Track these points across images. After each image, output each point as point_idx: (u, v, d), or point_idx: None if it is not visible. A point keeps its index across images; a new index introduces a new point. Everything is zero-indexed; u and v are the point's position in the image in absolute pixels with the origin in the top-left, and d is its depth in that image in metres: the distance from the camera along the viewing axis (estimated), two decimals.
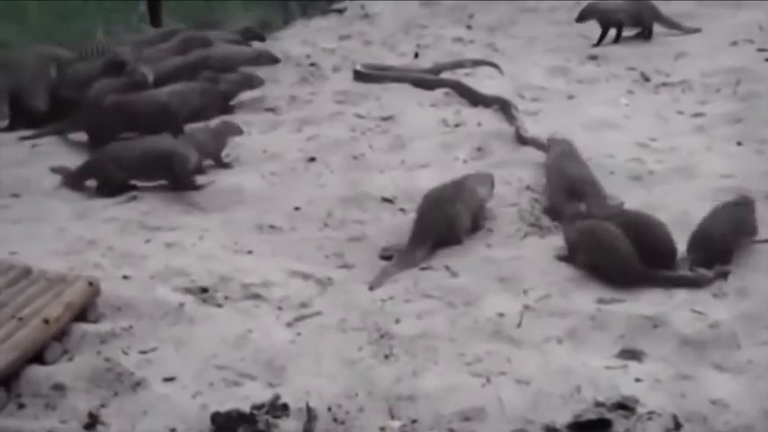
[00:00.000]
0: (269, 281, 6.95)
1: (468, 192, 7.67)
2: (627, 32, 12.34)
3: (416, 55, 12.35)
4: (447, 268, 7.11)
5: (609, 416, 5.39)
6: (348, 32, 13.57)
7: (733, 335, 6.08)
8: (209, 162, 8.88)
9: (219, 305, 6.68)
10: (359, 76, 11.32)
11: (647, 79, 10.94)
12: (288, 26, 14.23)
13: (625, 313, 6.33)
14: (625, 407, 5.44)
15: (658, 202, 7.70)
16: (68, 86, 10.32)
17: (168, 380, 5.84)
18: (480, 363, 5.91)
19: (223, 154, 9.03)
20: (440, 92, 10.67)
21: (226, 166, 8.95)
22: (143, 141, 8.85)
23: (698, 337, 6.06)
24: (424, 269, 7.16)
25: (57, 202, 8.36)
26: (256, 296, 6.78)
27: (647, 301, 6.52)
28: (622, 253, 6.79)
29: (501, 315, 6.38)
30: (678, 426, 5.32)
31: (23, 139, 9.81)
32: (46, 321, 5.97)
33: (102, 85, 10.03)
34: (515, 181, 8.28)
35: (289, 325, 6.46)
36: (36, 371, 5.83)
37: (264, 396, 5.64)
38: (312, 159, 9.05)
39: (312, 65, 11.89)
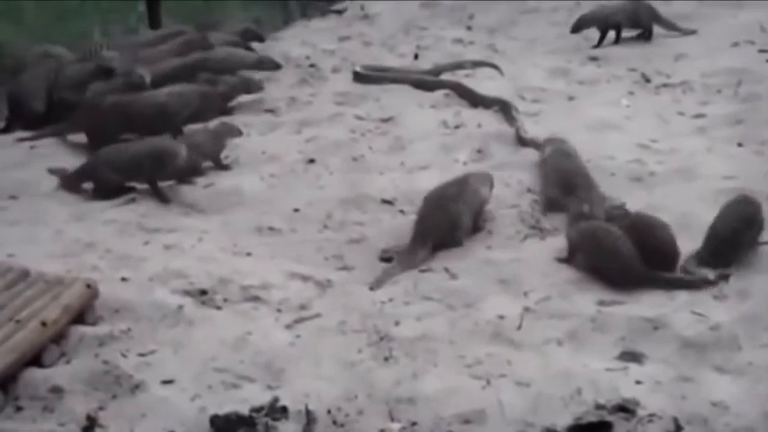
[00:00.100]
0: (268, 283, 6.93)
1: (470, 192, 7.67)
2: (627, 33, 12.33)
3: (416, 56, 12.34)
4: (447, 270, 7.10)
5: (609, 418, 5.37)
6: (348, 33, 13.56)
7: (734, 337, 6.06)
8: (208, 164, 8.86)
9: (218, 307, 6.66)
10: (358, 78, 11.31)
11: (647, 80, 10.93)
12: (287, 27, 14.20)
13: (625, 315, 6.32)
14: (625, 409, 5.42)
15: (659, 204, 7.68)
16: (64, 88, 10.29)
17: (167, 382, 5.82)
18: (480, 365, 5.89)
19: (222, 155, 9.01)
20: (440, 93, 10.65)
21: (225, 167, 8.93)
22: (136, 143, 8.83)
23: (699, 339, 6.05)
24: (423, 271, 7.15)
25: (55, 204, 8.33)
26: (255, 298, 6.77)
27: (648, 303, 6.51)
28: (623, 255, 6.78)
29: (501, 317, 6.37)
30: (679, 428, 5.31)
31: (21, 140, 9.77)
32: (43, 324, 5.95)
33: (101, 87, 10.01)
34: (515, 183, 8.27)
35: (288, 327, 6.44)
36: (34, 374, 5.81)
37: (263, 398, 5.62)
38: (311, 161, 9.04)
39: (312, 66, 11.88)
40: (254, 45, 12.15)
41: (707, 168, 8.44)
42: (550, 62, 11.76)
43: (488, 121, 9.80)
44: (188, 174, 8.59)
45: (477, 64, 11.65)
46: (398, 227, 7.74)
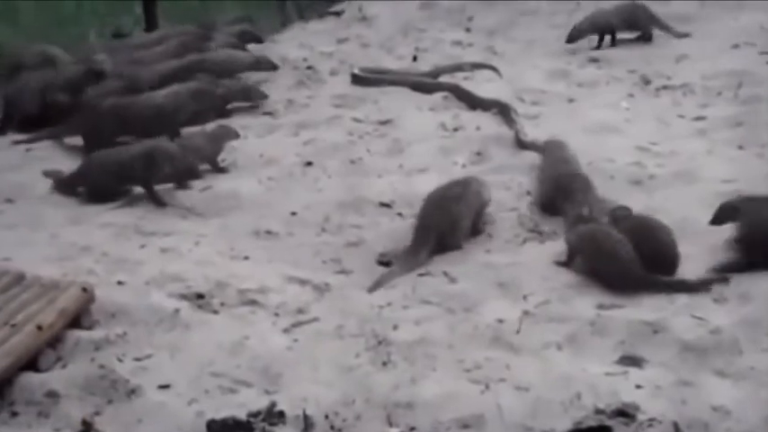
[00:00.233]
0: (265, 287, 6.91)
1: (472, 193, 7.65)
2: (628, 35, 12.35)
3: (415, 58, 12.35)
4: (445, 274, 7.07)
5: (609, 423, 5.34)
6: (346, 35, 13.57)
7: (734, 341, 6.03)
8: (205, 167, 8.83)
9: (215, 311, 6.63)
10: (356, 80, 11.30)
11: (647, 82, 10.94)
12: (285, 29, 14.19)
13: (625, 319, 6.28)
14: (625, 414, 5.39)
15: (659, 207, 7.66)
16: (57, 90, 10.24)
17: (163, 387, 5.79)
18: (479, 369, 5.86)
19: (219, 158, 8.99)
20: (438, 95, 10.65)
21: (222, 170, 8.91)
22: (130, 146, 8.81)
23: (699, 343, 6.01)
24: (422, 275, 7.12)
25: (51, 207, 8.32)
26: (253, 302, 6.74)
27: (648, 307, 6.47)
28: (622, 258, 6.75)
29: (500, 321, 6.34)
30: None
31: (18, 143, 9.75)
32: (39, 328, 5.92)
33: (99, 88, 9.99)
34: (515, 186, 8.27)
35: (285, 331, 6.41)
36: (29, 378, 5.78)
37: (261, 403, 5.59)
38: (309, 164, 9.03)
39: (309, 68, 11.89)
40: (252, 47, 12.13)
41: (707, 171, 8.43)
42: (550, 64, 11.77)
43: (487, 123, 9.79)
44: (185, 177, 8.55)
45: (475, 66, 11.66)
46: (397, 230, 7.73)
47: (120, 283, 6.87)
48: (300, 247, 7.67)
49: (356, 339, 6.25)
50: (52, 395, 5.67)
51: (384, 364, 5.97)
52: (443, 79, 11.28)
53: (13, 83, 10.32)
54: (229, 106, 10.37)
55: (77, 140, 9.60)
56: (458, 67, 11.64)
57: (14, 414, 5.60)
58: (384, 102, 10.56)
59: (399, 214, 8.03)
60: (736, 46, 11.85)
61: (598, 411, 5.42)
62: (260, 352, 6.09)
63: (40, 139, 9.77)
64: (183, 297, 6.70)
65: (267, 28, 13.43)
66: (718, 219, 7.14)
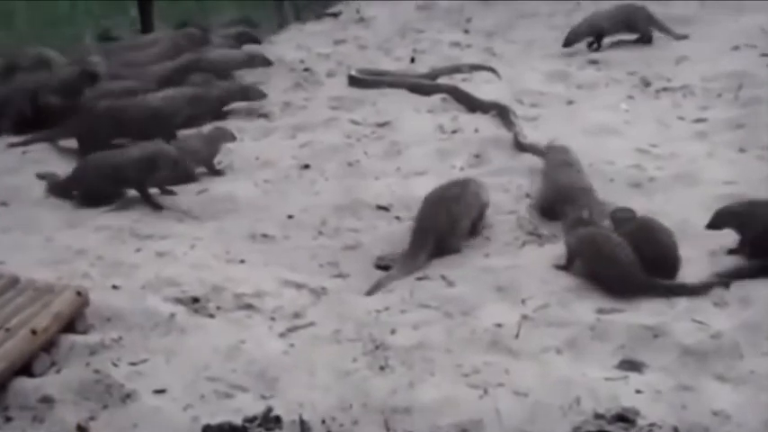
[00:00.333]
0: (262, 291, 6.88)
1: (471, 194, 7.63)
2: (627, 37, 12.32)
3: (413, 60, 12.36)
4: (444, 278, 7.04)
5: (609, 428, 5.31)
6: (343, 37, 13.59)
7: (735, 345, 6.00)
8: (201, 169, 8.81)
9: (211, 315, 6.60)
10: (354, 82, 11.29)
11: (647, 84, 10.95)
12: (282, 30, 14.18)
13: (625, 323, 6.26)
14: (625, 419, 5.37)
15: (659, 210, 7.63)
16: (49, 92, 10.20)
17: (159, 392, 5.75)
18: (478, 374, 5.82)
19: (215, 161, 8.96)
20: (436, 97, 10.65)
21: (218, 173, 8.90)
22: (125, 148, 8.77)
23: (699, 348, 5.98)
24: (420, 279, 7.10)
25: (46, 210, 8.30)
26: (249, 306, 6.72)
27: (648, 311, 6.45)
28: (622, 261, 6.72)
29: (499, 325, 6.30)
30: None
31: (13, 145, 9.71)
32: (33, 332, 5.89)
33: (96, 91, 9.96)
34: (513, 188, 8.26)
35: (282, 336, 6.38)
36: (23, 383, 5.75)
37: (257, 408, 5.56)
38: (306, 166, 9.03)
39: (306, 70, 11.89)
40: (249, 47, 12.12)
41: (707, 174, 8.42)
42: (549, 66, 11.78)
43: (486, 125, 9.78)
44: (181, 180, 8.52)
45: (474, 67, 11.66)
46: (394, 233, 7.72)
47: (115, 286, 6.84)
48: (297, 250, 7.65)
49: (353, 344, 6.22)
50: (47, 400, 5.64)
51: (381, 368, 5.93)
52: (442, 81, 11.27)
53: (7, 84, 10.29)
54: (226, 108, 10.35)
55: (73, 143, 9.58)
56: (456, 69, 11.64)
57: (8, 419, 5.57)
58: (382, 104, 10.56)
59: (397, 217, 8.01)
60: (736, 47, 11.86)
61: (598, 416, 5.38)
62: (256, 356, 6.05)
63: (36, 141, 9.74)
64: (179, 301, 6.68)
65: (264, 29, 13.44)
66: (714, 224, 7.12)
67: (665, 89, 10.75)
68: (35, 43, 10.91)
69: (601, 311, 6.45)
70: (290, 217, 8.07)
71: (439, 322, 6.43)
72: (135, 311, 6.48)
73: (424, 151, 9.22)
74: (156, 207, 8.22)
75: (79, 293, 6.36)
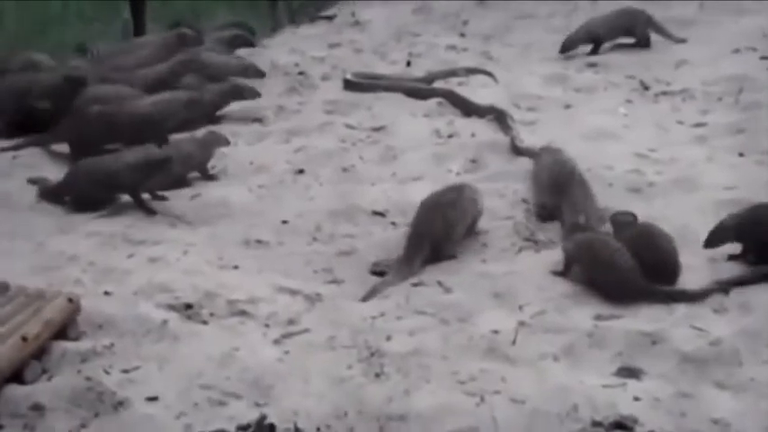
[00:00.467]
0: (255, 297, 6.83)
1: (467, 200, 7.60)
2: (626, 40, 12.31)
3: (408, 63, 12.36)
4: (440, 284, 7.00)
5: None
6: (338, 40, 13.61)
7: (735, 352, 5.97)
8: (194, 174, 8.77)
9: (204, 322, 6.55)
10: (349, 86, 11.28)
11: (646, 88, 10.96)
12: (276, 34, 14.19)
13: (623, 330, 6.22)
14: (623, 426, 5.34)
15: (658, 215, 7.59)
16: (34, 96, 10.13)
17: (151, 399, 5.70)
18: (474, 381, 5.78)
19: (209, 165, 8.91)
20: (433, 101, 10.64)
21: (212, 178, 8.86)
22: (117, 153, 8.70)
23: (698, 355, 5.95)
24: (416, 285, 7.05)
25: (37, 215, 8.24)
26: (242, 313, 6.66)
27: (646, 317, 6.41)
28: (620, 267, 6.69)
29: (495, 332, 6.27)
30: None
31: (4, 150, 9.63)
32: (24, 339, 5.84)
33: (86, 95, 9.90)
34: (510, 194, 8.22)
35: (276, 342, 6.33)
36: (14, 390, 5.70)
37: (251, 416, 5.52)
38: (301, 171, 8.99)
39: (301, 74, 11.88)
40: (243, 51, 12.11)
41: (707, 179, 8.40)
42: (546, 69, 11.79)
43: (482, 130, 9.76)
44: (174, 185, 8.48)
45: (470, 71, 11.66)
46: (390, 239, 7.68)
47: (107, 293, 6.79)
48: (291, 256, 7.60)
49: (348, 351, 6.17)
50: (38, 408, 5.59)
51: (377, 375, 5.89)
52: (438, 85, 11.27)
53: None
54: (220, 112, 10.30)
55: (64, 148, 9.52)
56: (452, 73, 11.64)
57: (0, 427, 5.54)
58: (377, 108, 10.54)
59: (392, 223, 7.97)
60: (736, 51, 11.88)
61: (595, 424, 5.35)
62: (250, 364, 6.00)
63: (27, 145, 9.66)
64: (172, 308, 6.62)
65: (258, 32, 13.40)
66: (711, 243, 7.08)
67: (664, 93, 10.76)
68: (24, 45, 10.85)
69: (599, 318, 6.42)
70: (284, 222, 8.03)
71: (435, 329, 6.39)
72: (127, 318, 6.43)
73: (419, 156, 9.19)
74: (149, 212, 8.16)
75: (71, 300, 6.31)
